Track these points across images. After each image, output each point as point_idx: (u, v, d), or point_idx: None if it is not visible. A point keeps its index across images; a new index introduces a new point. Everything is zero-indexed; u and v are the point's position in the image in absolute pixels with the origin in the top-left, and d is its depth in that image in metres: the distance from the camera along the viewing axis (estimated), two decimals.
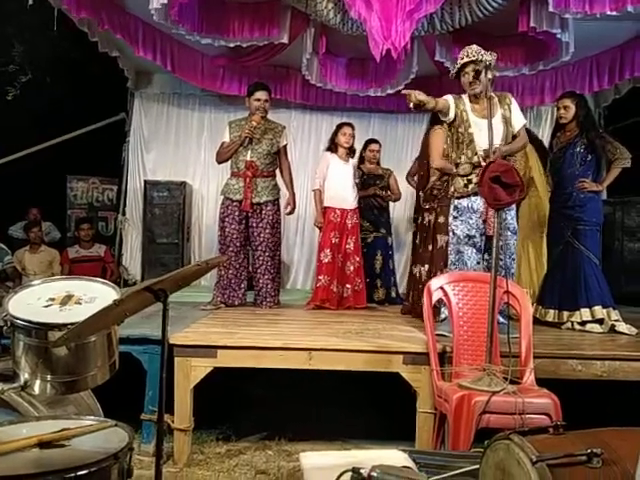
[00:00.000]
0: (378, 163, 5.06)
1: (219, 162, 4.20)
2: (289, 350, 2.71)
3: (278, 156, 4.15)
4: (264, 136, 4.04)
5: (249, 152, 4.00)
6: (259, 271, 4.11)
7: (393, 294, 4.91)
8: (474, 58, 2.95)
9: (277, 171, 4.22)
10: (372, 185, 4.88)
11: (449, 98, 3.16)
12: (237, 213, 4.01)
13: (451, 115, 3.11)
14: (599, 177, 3.73)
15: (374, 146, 4.99)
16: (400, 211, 6.01)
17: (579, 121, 3.63)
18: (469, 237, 3.12)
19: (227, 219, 4.04)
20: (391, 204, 5.14)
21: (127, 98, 6.17)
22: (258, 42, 4.63)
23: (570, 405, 2.24)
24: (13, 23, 6.35)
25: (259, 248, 4.06)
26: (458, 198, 3.17)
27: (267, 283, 4.13)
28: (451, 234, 3.21)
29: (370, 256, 4.82)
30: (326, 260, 4.33)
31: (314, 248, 5.93)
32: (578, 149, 3.62)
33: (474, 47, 2.99)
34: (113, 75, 5.76)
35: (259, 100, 3.98)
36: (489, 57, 2.92)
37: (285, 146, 4.19)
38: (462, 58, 3.04)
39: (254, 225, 4.04)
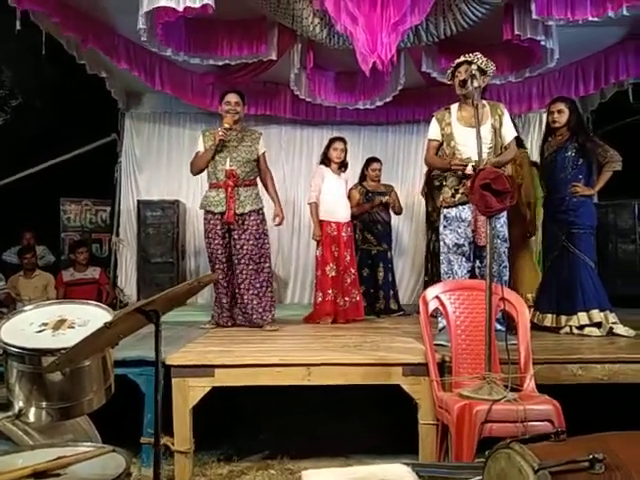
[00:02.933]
0: (378, 180, 5.08)
1: (195, 173, 3.97)
2: (287, 366, 2.68)
3: (257, 165, 3.93)
4: (241, 143, 3.84)
5: (228, 160, 3.78)
6: (242, 286, 3.80)
7: (392, 305, 4.93)
8: (469, 59, 2.97)
9: (258, 180, 3.99)
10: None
11: (432, 125, 3.28)
12: (219, 227, 3.80)
13: (439, 137, 3.26)
14: (591, 181, 3.74)
15: (376, 165, 5.02)
16: (401, 225, 6.06)
17: (570, 125, 3.65)
18: (458, 246, 3.15)
19: (210, 234, 3.83)
20: (393, 218, 5.16)
21: (118, 119, 6.19)
22: (247, 59, 4.67)
23: (572, 410, 2.23)
24: (1, 48, 6.38)
25: (242, 261, 3.78)
26: (447, 207, 3.21)
27: (252, 299, 3.82)
28: (442, 243, 3.24)
29: (373, 268, 4.87)
30: (332, 274, 4.29)
31: (309, 262, 5.94)
32: (569, 153, 3.64)
33: (476, 53, 3.01)
34: (103, 96, 5.78)
35: (229, 103, 3.81)
36: (485, 64, 2.94)
37: (264, 154, 3.96)
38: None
39: (236, 237, 3.79)
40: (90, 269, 5.80)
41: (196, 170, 3.95)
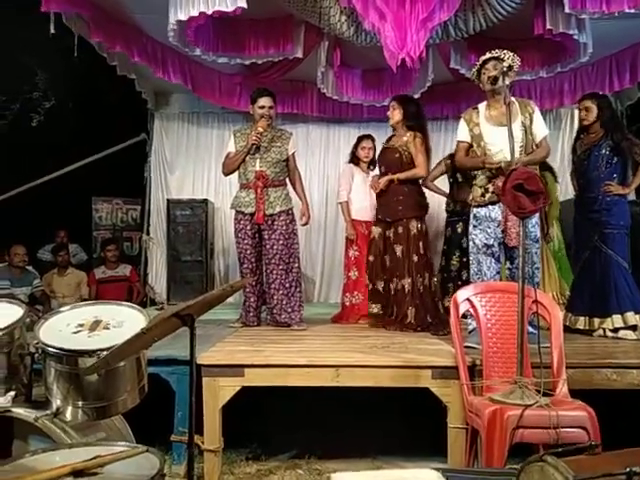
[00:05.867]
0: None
1: (226, 174, 4.03)
2: (316, 367, 2.69)
3: (287, 164, 3.95)
4: (272, 144, 3.85)
5: (258, 161, 3.81)
6: (273, 286, 3.83)
7: None
8: (496, 55, 2.96)
9: (287, 180, 4.01)
10: None
11: (461, 126, 3.23)
12: (249, 227, 3.83)
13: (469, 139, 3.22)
14: (625, 179, 3.65)
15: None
16: None
17: (603, 122, 3.56)
18: (487, 246, 3.11)
19: (240, 234, 3.86)
20: None
21: (147, 119, 6.29)
22: (273, 58, 4.68)
23: (607, 416, 2.17)
24: (36, 52, 6.55)
25: (272, 261, 3.82)
26: (476, 207, 3.17)
27: (282, 299, 3.84)
28: (471, 243, 3.21)
29: None
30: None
31: (335, 261, 5.94)
32: (603, 151, 3.55)
33: (504, 50, 3.00)
34: (133, 97, 5.87)
35: (263, 107, 3.81)
36: (513, 60, 2.89)
37: (293, 154, 3.98)
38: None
39: (266, 238, 3.83)
40: (121, 267, 5.93)
41: (228, 171, 4.00)
